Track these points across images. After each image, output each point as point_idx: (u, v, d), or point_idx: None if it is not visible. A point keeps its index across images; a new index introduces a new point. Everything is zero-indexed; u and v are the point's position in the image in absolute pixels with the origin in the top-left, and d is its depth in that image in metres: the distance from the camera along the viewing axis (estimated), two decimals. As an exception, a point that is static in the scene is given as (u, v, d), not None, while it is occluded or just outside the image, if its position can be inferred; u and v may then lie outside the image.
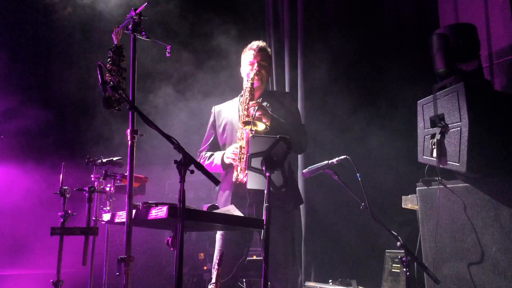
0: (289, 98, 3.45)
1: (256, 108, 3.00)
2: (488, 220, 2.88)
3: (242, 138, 3.07)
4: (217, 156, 3.24)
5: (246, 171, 2.88)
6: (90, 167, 3.31)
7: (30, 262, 4.83)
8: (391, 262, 3.60)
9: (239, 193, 3.07)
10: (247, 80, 3.23)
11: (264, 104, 3.20)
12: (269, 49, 3.42)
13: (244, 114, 3.11)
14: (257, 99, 3.26)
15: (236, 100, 3.42)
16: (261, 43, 3.38)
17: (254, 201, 3.00)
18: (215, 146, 3.41)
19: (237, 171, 3.04)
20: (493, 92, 3.40)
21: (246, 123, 2.97)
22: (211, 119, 3.47)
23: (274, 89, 5.13)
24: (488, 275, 2.85)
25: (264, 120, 3.01)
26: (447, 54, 3.24)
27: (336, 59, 4.53)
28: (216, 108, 3.48)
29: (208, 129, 3.48)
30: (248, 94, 3.15)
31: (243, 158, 3.02)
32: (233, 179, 3.04)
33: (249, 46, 3.39)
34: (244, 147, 3.03)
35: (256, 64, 3.28)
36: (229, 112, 3.36)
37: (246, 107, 3.11)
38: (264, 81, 3.33)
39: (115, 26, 2.49)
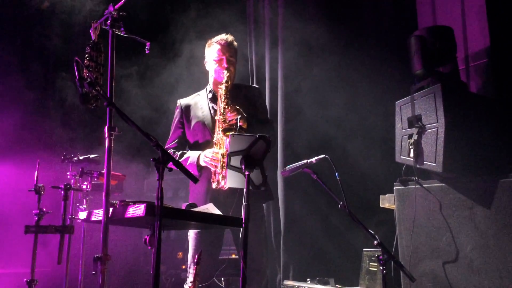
0: (256, 93, 3.37)
1: (239, 117, 2.93)
2: (462, 219, 2.93)
3: (221, 146, 3.01)
4: (193, 156, 3.13)
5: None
6: (66, 164, 3.26)
7: (3, 261, 4.72)
8: (368, 260, 3.63)
9: (217, 193, 3.04)
10: (221, 83, 3.12)
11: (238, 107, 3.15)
12: (235, 43, 3.31)
13: (220, 120, 3.05)
14: (226, 95, 3.13)
15: (203, 94, 3.32)
16: (229, 37, 3.26)
17: (232, 201, 2.95)
18: (184, 144, 3.30)
19: (214, 175, 3.00)
20: (469, 94, 3.46)
21: (226, 131, 2.89)
22: (178, 114, 3.32)
23: (254, 71, 5.07)
24: (462, 273, 2.90)
25: (244, 126, 2.96)
26: (424, 56, 3.28)
27: (314, 59, 4.55)
28: (182, 103, 3.33)
29: (175, 125, 3.32)
30: (224, 97, 3.07)
31: (225, 166, 2.89)
32: (213, 186, 3.00)
33: (215, 39, 3.25)
34: (225, 155, 2.90)
35: (225, 61, 3.18)
36: (199, 110, 3.26)
37: (223, 112, 3.04)
38: (233, 78, 3.23)
39: (93, 22, 2.45)
